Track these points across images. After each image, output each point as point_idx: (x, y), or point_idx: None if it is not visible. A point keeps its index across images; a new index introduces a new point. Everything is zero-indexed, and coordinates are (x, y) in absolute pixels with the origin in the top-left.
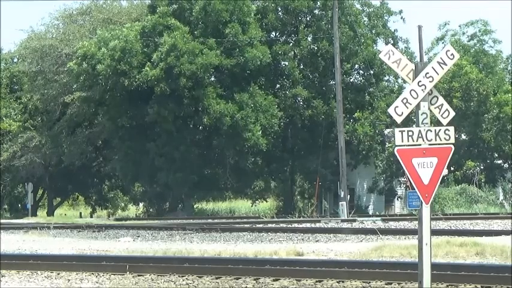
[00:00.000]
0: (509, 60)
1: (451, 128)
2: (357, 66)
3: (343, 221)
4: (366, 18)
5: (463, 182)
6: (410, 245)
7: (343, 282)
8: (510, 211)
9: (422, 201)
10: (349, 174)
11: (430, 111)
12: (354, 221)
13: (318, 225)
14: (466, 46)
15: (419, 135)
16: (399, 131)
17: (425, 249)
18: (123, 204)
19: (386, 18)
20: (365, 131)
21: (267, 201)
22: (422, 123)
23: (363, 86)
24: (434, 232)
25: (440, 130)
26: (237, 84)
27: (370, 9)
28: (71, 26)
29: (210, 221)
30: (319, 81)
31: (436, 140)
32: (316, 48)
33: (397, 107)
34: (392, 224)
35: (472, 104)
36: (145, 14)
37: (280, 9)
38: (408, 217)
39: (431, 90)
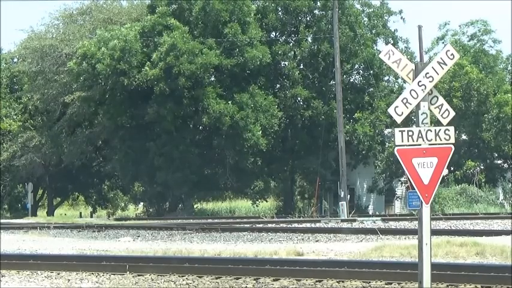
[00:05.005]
0: (509, 60)
1: (451, 128)
2: (356, 66)
3: (343, 221)
4: (366, 19)
5: (463, 182)
6: (410, 245)
7: (343, 282)
8: (510, 211)
9: (422, 201)
10: (349, 174)
11: (430, 111)
12: (354, 221)
13: (318, 225)
14: (466, 46)
15: (419, 135)
16: (399, 131)
17: (425, 249)
18: (123, 204)
19: (386, 18)
20: (365, 131)
21: (267, 201)
22: (422, 123)
23: (363, 86)
24: (434, 232)
25: (440, 130)
26: (237, 84)
27: (370, 10)
28: (71, 26)
29: (210, 221)
30: (319, 82)
31: (436, 140)
32: (316, 48)
33: (397, 107)
34: (392, 224)
35: (472, 104)
36: (145, 14)
37: (280, 9)
38: (408, 217)
39: (431, 90)
